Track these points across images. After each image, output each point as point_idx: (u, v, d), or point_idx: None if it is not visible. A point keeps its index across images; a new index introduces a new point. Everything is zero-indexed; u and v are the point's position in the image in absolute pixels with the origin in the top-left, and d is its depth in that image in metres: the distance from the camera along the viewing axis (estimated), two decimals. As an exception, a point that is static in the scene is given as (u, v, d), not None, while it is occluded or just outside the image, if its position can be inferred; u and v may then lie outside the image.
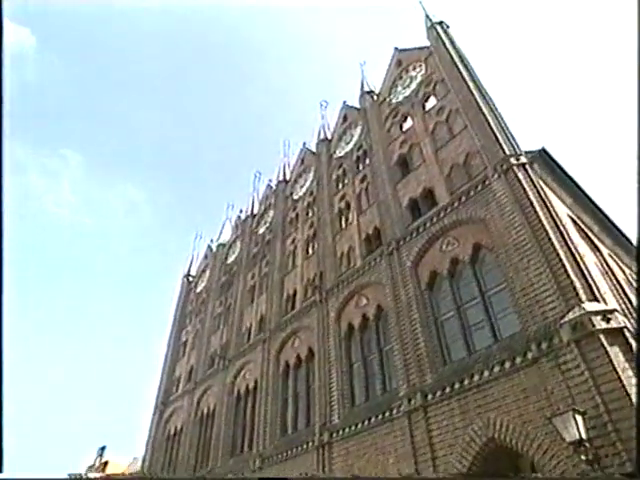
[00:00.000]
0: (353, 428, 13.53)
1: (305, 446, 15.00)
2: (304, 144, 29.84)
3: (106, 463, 45.38)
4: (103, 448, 47.51)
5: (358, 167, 22.04)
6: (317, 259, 20.62)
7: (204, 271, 34.46)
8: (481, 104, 15.53)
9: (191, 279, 35.54)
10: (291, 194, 27.65)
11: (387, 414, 12.60)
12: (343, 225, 20.46)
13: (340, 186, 22.56)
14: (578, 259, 10.32)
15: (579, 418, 7.58)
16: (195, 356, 27.66)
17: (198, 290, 33.34)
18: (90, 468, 47.10)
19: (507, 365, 10.19)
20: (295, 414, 17.24)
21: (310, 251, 22.11)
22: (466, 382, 10.88)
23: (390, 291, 14.91)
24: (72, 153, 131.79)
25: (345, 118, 26.32)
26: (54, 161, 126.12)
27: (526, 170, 12.87)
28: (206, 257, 35.55)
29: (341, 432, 13.91)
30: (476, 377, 10.70)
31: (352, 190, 21.08)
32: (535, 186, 12.32)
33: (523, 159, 13.23)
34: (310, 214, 24.12)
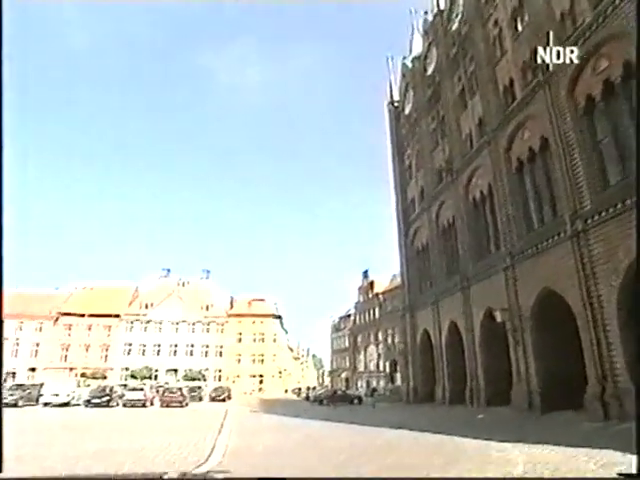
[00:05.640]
0: (611, 210, 12.15)
1: (556, 237, 14.40)
2: None
3: (372, 283, 53.43)
4: (366, 271, 55.83)
5: None
6: (532, 30, 17.15)
7: (407, 91, 32.98)
8: None
9: (396, 104, 34.62)
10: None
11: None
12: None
13: None
14: None
15: None
16: (422, 176, 28.18)
17: (406, 112, 32.50)
18: (359, 289, 56.36)
19: None
20: (539, 208, 16.43)
21: (519, 27, 18.45)
22: None
23: None
24: (248, 37, 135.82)
25: None
26: (234, 56, 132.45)
27: None
28: (404, 76, 33.60)
29: (596, 217, 12.72)
30: None
31: None
32: None
33: None
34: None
